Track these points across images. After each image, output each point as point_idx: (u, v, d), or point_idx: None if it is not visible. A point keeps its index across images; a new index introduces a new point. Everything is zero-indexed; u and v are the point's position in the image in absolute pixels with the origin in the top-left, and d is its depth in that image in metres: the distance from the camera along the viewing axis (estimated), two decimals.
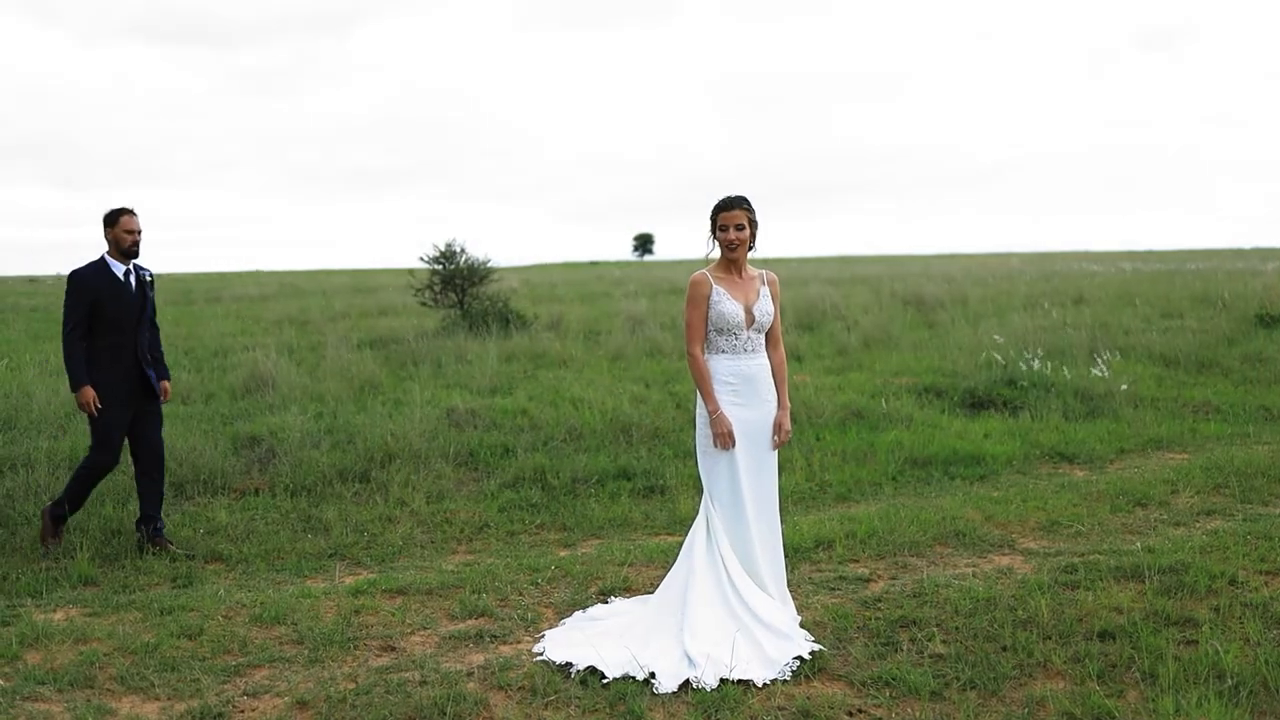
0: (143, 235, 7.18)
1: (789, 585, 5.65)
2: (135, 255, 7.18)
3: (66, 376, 7.11)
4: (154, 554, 7.10)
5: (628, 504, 8.26)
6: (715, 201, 5.44)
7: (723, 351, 5.43)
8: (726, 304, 5.36)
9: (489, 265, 20.49)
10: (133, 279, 7.18)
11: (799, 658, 4.97)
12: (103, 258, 7.16)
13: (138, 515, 7.39)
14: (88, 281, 7.06)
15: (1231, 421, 11.11)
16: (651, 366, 14.34)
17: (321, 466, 8.89)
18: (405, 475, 8.82)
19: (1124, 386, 11.99)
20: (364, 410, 11.05)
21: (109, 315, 7.05)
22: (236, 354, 15.70)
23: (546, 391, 12.02)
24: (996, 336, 15.46)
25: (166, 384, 7.47)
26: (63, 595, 6.32)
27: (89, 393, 6.99)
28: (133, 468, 7.45)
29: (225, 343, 17.93)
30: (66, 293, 7.07)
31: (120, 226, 7.10)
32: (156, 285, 7.53)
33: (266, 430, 9.91)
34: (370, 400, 11.78)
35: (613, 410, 10.72)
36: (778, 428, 5.50)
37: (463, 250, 20.19)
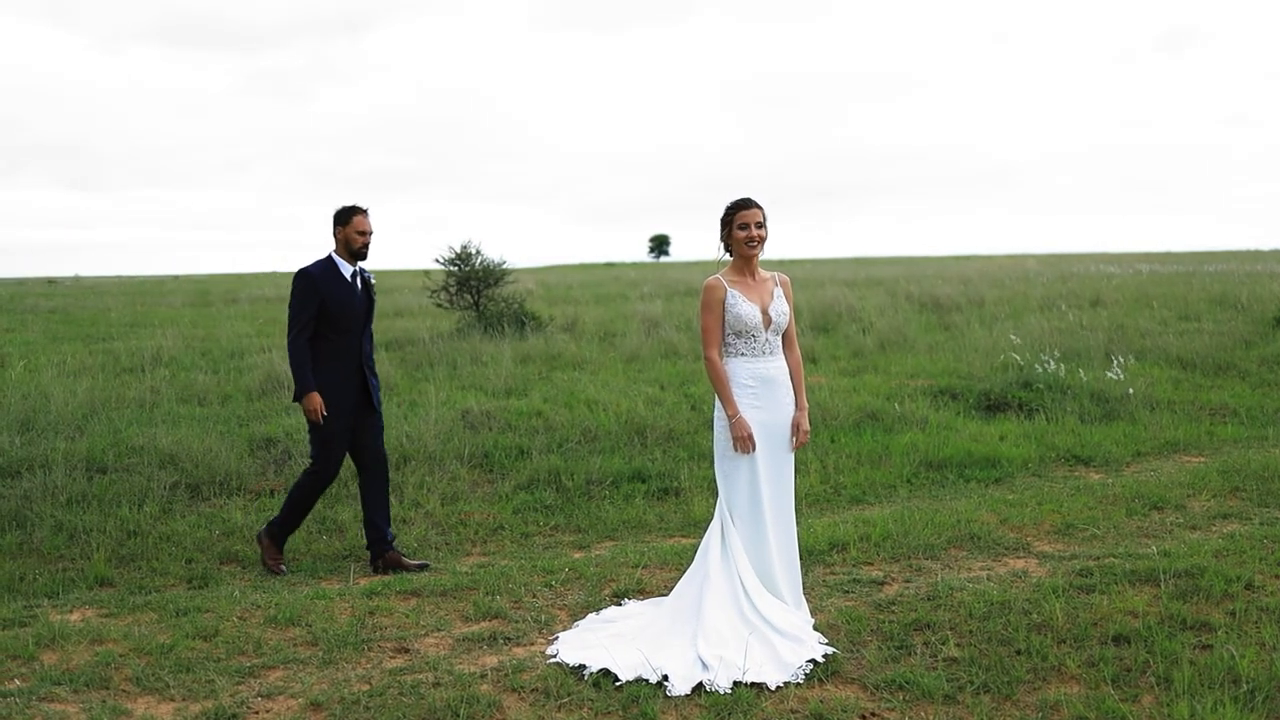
0: (372, 236, 6.83)
1: (803, 588, 5.64)
2: (364, 257, 6.85)
3: (294, 381, 6.74)
4: (390, 573, 6.76)
5: (642, 506, 8.27)
6: (726, 204, 5.47)
7: (741, 354, 5.44)
8: (743, 306, 5.37)
9: (504, 267, 20.51)
10: (359, 281, 6.87)
11: (812, 660, 4.97)
12: (330, 257, 6.82)
13: (365, 530, 7.01)
14: (316, 282, 6.72)
15: (1249, 425, 11.06)
16: (667, 368, 14.34)
17: None
18: (420, 477, 8.84)
19: (1130, 390, 11.94)
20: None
21: (334, 318, 6.71)
22: (252, 355, 15.76)
23: (561, 393, 12.03)
24: (1013, 337, 15.40)
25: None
26: (79, 596, 6.36)
27: (316, 399, 6.64)
28: (335, 477, 6.96)
29: (242, 344, 17.97)
30: (293, 293, 6.73)
31: (352, 226, 6.76)
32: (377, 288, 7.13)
33: (282, 432, 9.95)
34: (385, 402, 11.82)
35: (627, 412, 10.73)
36: (796, 429, 5.51)
37: (478, 252, 20.22)
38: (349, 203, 6.85)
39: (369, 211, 6.85)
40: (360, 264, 6.91)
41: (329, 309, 6.69)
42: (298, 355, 6.67)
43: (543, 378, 13.50)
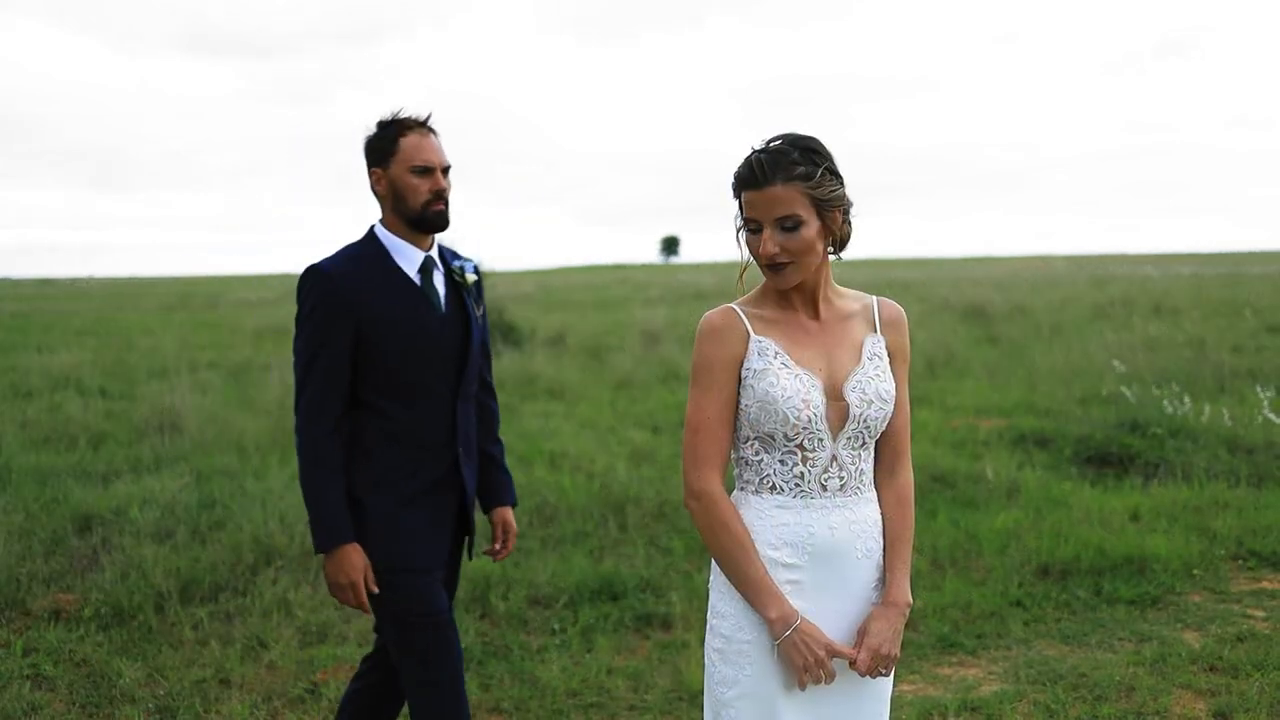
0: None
1: None
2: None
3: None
4: None
5: (607, 655, 5.24)
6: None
7: (773, 488, 2.52)
8: (777, 379, 2.49)
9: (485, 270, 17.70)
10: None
11: None
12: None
13: None
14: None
15: None
16: (664, 398, 11.43)
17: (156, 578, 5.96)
18: (282, 590, 5.87)
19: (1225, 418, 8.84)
20: (264, 477, 8.01)
21: None
22: (166, 379, 12.85)
23: (523, 442, 9.03)
24: (1116, 364, 11.77)
25: None
26: None
27: None
28: None
29: (166, 362, 15.04)
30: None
31: None
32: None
33: (110, 512, 7.04)
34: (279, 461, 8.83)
35: (603, 474, 7.78)
36: (867, 643, 2.51)
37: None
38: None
39: None
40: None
41: None
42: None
43: (509, 411, 10.51)
